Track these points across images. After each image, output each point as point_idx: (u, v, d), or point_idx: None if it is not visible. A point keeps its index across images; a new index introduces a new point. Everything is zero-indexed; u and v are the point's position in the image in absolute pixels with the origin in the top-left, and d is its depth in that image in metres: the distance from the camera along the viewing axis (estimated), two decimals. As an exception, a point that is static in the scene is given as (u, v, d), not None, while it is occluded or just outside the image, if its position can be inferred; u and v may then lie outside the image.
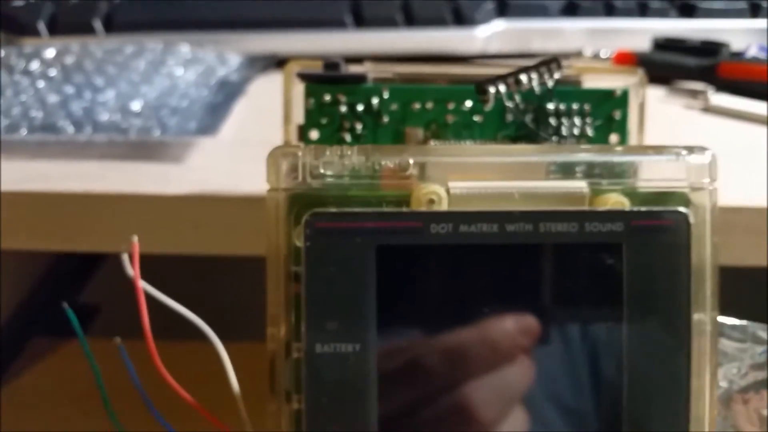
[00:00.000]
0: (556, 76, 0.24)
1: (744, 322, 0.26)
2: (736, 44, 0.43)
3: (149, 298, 0.22)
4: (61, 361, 0.39)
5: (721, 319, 0.26)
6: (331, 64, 0.25)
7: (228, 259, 0.29)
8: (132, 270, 0.22)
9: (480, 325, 0.20)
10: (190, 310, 0.23)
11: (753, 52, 0.43)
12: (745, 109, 0.37)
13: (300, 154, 0.20)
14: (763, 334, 0.27)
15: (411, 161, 0.20)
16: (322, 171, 0.20)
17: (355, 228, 0.19)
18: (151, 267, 0.24)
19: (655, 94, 0.40)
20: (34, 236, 0.28)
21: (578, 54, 0.43)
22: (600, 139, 0.25)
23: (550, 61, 0.23)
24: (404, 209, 0.20)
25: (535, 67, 0.23)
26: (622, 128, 0.25)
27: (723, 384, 0.26)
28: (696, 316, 0.20)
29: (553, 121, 0.25)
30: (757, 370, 0.26)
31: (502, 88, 0.23)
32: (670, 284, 0.20)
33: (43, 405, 0.36)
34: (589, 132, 0.25)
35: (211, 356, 0.22)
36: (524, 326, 0.20)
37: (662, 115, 0.37)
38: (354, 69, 0.25)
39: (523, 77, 0.23)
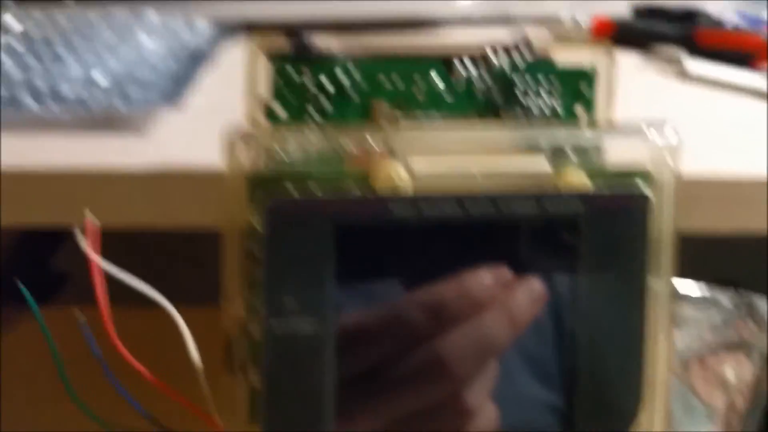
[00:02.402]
0: (526, 55, 0.23)
1: (703, 287, 0.27)
2: (724, 14, 0.43)
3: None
4: (32, 330, 0.39)
5: (682, 284, 0.26)
6: (296, 38, 0.24)
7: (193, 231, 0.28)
8: (86, 246, 0.22)
9: (448, 284, 0.20)
10: (154, 279, 0.23)
11: (734, 19, 0.43)
12: (719, 76, 0.37)
13: (258, 136, 0.19)
14: (722, 298, 0.27)
15: (371, 140, 0.20)
16: (281, 153, 0.20)
17: (314, 212, 0.19)
18: (114, 239, 0.23)
19: (632, 61, 0.40)
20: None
21: (556, 20, 0.43)
22: (568, 115, 0.25)
23: (520, 42, 0.23)
24: (365, 194, 0.20)
25: (505, 47, 0.23)
26: (589, 104, 0.25)
27: (682, 347, 0.27)
28: (652, 281, 0.21)
29: (522, 97, 0.25)
30: (715, 334, 0.27)
31: (471, 66, 0.23)
32: (628, 255, 0.21)
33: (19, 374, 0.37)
34: (558, 108, 0.25)
35: (173, 322, 0.22)
36: (496, 277, 0.20)
37: (636, 82, 0.37)
38: (320, 43, 0.25)
39: (492, 56, 0.23)
